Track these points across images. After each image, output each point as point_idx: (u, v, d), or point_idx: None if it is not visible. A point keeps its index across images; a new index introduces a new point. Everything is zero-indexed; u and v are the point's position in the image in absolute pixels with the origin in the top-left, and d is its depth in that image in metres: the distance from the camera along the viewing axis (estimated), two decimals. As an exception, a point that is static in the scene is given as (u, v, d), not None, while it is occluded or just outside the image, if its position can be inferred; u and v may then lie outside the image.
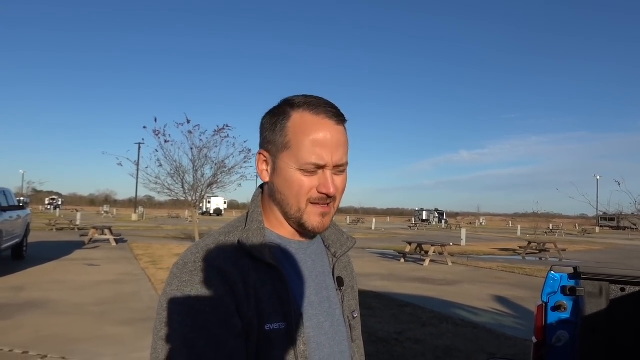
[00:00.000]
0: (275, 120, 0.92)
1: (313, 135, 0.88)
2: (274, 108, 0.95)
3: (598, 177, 59.58)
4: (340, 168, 0.91)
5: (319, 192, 0.89)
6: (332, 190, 0.89)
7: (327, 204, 0.91)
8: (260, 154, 0.96)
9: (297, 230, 0.95)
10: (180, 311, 0.81)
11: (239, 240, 0.89)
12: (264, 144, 0.95)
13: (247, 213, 0.97)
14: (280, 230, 0.96)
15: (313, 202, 0.90)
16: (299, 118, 0.90)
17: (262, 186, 1.01)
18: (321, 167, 0.89)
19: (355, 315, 1.05)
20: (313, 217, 0.91)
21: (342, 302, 1.01)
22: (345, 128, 0.94)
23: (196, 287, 0.82)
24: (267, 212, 0.97)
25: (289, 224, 0.95)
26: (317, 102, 0.91)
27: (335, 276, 1.01)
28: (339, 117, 0.92)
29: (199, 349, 0.78)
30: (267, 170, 0.95)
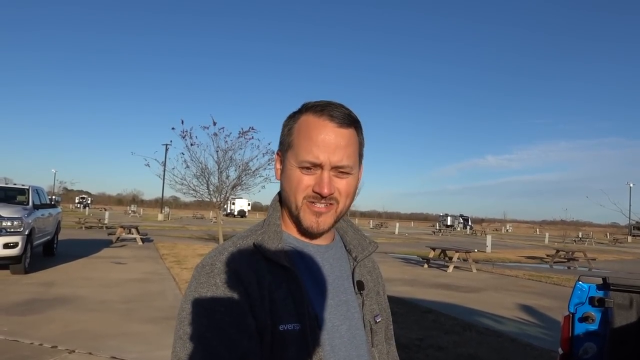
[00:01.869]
0: (288, 123, 0.98)
1: (311, 135, 0.92)
2: (292, 112, 1.00)
3: (631, 185, 57.82)
4: (341, 170, 0.92)
5: (313, 191, 0.91)
6: (325, 191, 0.90)
7: (325, 205, 0.93)
8: (276, 154, 1.02)
9: (298, 230, 0.97)
10: (197, 311, 0.85)
11: (254, 243, 0.92)
12: (280, 145, 1.00)
13: (266, 217, 1.01)
14: (296, 234, 0.98)
15: (309, 201, 0.93)
16: (304, 120, 0.95)
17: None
18: (318, 166, 0.91)
19: (378, 320, 1.04)
20: (307, 216, 0.94)
21: (363, 306, 1.01)
22: (353, 131, 0.95)
23: (212, 289, 0.86)
24: (284, 216, 1.00)
25: (294, 224, 0.98)
26: (324, 105, 0.94)
27: (355, 280, 1.01)
28: (344, 120, 0.93)
29: (213, 348, 0.82)
30: (280, 169, 1.00)
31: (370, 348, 0.99)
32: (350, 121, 0.94)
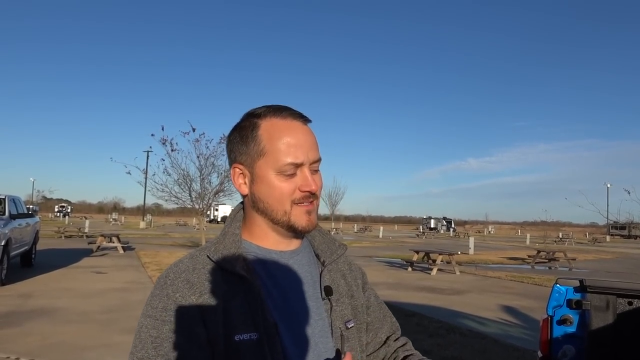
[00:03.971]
0: (244, 133, 0.96)
1: (286, 137, 0.92)
2: (240, 123, 0.98)
3: (609, 185, 59.03)
4: (315, 165, 0.94)
5: (301, 191, 0.92)
6: (314, 187, 0.92)
7: (311, 202, 0.93)
8: (235, 168, 0.97)
9: (287, 235, 0.96)
10: (147, 324, 0.86)
11: (209, 254, 0.92)
12: (237, 157, 0.97)
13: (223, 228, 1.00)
14: (261, 242, 0.97)
15: (297, 203, 0.92)
16: (268, 125, 0.94)
17: (243, 202, 1.02)
18: (298, 165, 0.92)
19: (349, 326, 1.00)
20: (300, 217, 0.93)
21: (331, 311, 0.98)
22: (310, 127, 0.98)
23: (163, 300, 0.86)
24: (248, 225, 0.99)
25: (276, 232, 0.96)
26: (280, 108, 0.96)
27: (323, 285, 0.99)
28: (304, 118, 0.96)
29: (161, 358, 0.82)
30: (245, 183, 0.97)
31: (338, 355, 0.96)
32: (308, 118, 0.97)
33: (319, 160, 0.95)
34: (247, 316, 0.85)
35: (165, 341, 0.83)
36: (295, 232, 0.95)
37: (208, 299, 0.85)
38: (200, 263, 0.91)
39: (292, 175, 0.92)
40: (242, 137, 0.96)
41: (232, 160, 0.98)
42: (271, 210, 0.93)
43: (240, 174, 0.97)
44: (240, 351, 0.83)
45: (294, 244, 0.99)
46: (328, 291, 0.98)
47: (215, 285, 0.87)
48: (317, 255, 1.03)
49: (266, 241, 0.97)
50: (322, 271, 1.00)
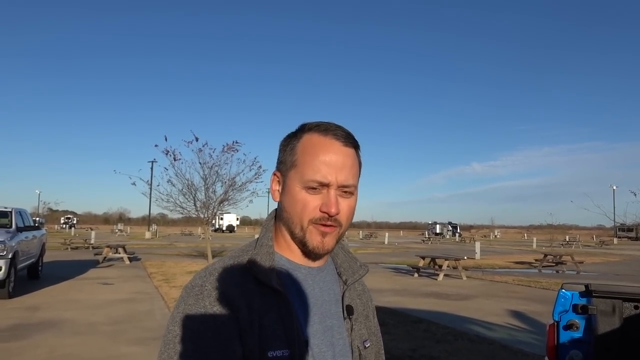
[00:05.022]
0: (288, 142, 0.97)
1: (318, 154, 0.90)
2: (290, 133, 0.99)
3: (614, 188, 58.75)
4: (346, 189, 0.91)
5: (321, 212, 0.90)
6: (333, 210, 0.89)
7: (330, 225, 0.91)
8: (274, 174, 0.99)
9: (302, 252, 0.95)
10: (183, 334, 0.83)
11: (245, 265, 0.90)
12: (278, 165, 0.98)
13: (258, 237, 0.99)
14: (289, 255, 0.96)
15: (315, 222, 0.90)
16: (307, 139, 0.93)
17: (275, 210, 1.02)
18: (325, 185, 0.90)
19: (367, 345, 1.01)
20: (314, 237, 0.91)
21: (352, 331, 0.98)
22: (355, 151, 0.95)
23: (200, 311, 0.84)
24: (277, 236, 0.98)
25: (296, 245, 0.95)
26: (327, 125, 0.94)
27: (345, 304, 0.99)
28: (348, 140, 0.93)
29: None
30: (278, 191, 0.97)
31: None
32: (353, 141, 0.95)
33: (350, 186, 0.92)
34: (280, 332, 0.85)
35: (201, 356, 0.81)
36: (306, 249, 0.93)
37: (245, 314, 0.84)
38: (235, 274, 0.89)
39: (317, 193, 0.90)
40: (285, 146, 0.97)
41: (276, 167, 0.99)
42: (291, 222, 0.93)
43: (277, 181, 0.98)
44: None
45: (320, 260, 0.98)
46: (350, 310, 0.99)
47: (252, 300, 0.86)
48: (338, 273, 1.03)
49: (294, 254, 0.96)
50: (344, 290, 1.00)
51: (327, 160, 0.90)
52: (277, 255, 0.95)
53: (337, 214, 0.90)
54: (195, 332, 0.82)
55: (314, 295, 0.95)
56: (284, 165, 0.95)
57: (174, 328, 0.85)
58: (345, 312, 0.98)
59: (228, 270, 0.90)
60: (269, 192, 1.04)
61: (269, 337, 0.84)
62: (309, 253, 0.94)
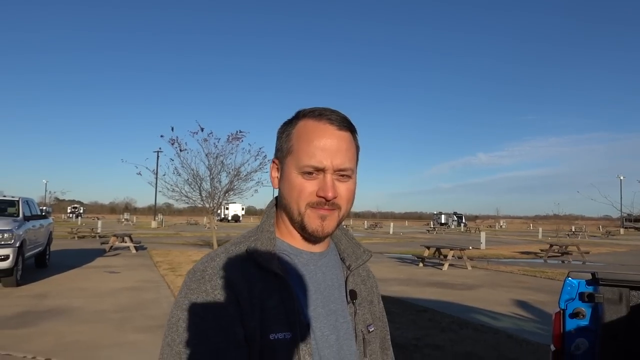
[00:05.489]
0: (284, 129, 0.98)
1: (313, 139, 0.91)
2: (287, 120, 0.99)
3: (622, 178, 58.33)
4: (342, 173, 0.92)
5: (317, 196, 0.90)
6: (330, 195, 0.89)
7: (328, 208, 0.91)
8: (273, 162, 1.00)
9: (302, 237, 0.96)
10: (185, 318, 0.85)
11: (247, 250, 0.91)
12: (276, 152, 0.99)
13: (259, 224, 1.00)
14: (291, 240, 0.97)
15: (312, 206, 0.91)
16: (302, 125, 0.94)
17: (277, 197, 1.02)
18: (320, 170, 0.90)
19: (371, 330, 1.02)
20: (312, 220, 0.92)
21: (355, 315, 0.99)
22: (351, 135, 0.95)
23: (202, 295, 0.85)
24: (279, 222, 0.99)
25: (297, 231, 0.96)
26: (322, 110, 0.95)
27: (348, 289, 1.00)
28: (342, 123, 0.93)
29: (200, 356, 0.82)
30: (277, 178, 0.98)
31: (362, 358, 0.98)
32: (348, 125, 0.95)
33: (347, 169, 0.92)
34: (281, 315, 0.86)
35: (204, 338, 0.82)
36: (306, 233, 0.94)
37: (246, 298, 0.85)
38: (237, 259, 0.90)
39: (313, 178, 0.91)
40: (281, 134, 0.98)
41: (274, 154, 1.00)
42: (289, 207, 0.93)
43: (276, 168, 0.99)
44: (275, 350, 0.84)
45: (322, 245, 0.99)
46: (353, 295, 1.00)
47: (253, 284, 0.87)
48: (342, 259, 1.04)
49: (295, 240, 0.97)
50: (347, 275, 1.01)
51: (321, 145, 0.91)
52: (279, 241, 0.96)
53: (334, 198, 0.90)
54: (197, 315, 0.84)
55: (316, 280, 0.95)
56: (281, 153, 0.96)
57: (176, 312, 0.86)
58: (348, 296, 0.99)
59: (230, 255, 0.91)
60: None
61: (271, 319, 0.85)
62: (309, 237, 0.95)
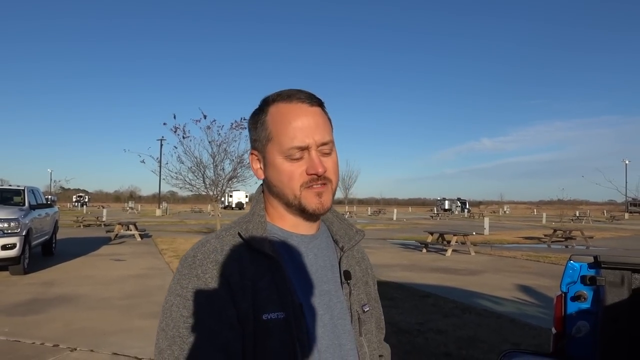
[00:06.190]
0: (256, 119, 0.98)
1: (290, 121, 0.92)
2: (254, 111, 1.00)
3: (627, 162, 58.04)
4: (324, 147, 0.94)
5: (308, 174, 0.92)
6: (320, 170, 0.91)
7: (322, 184, 0.93)
8: (252, 154, 1.01)
9: (302, 218, 0.97)
10: (178, 303, 0.87)
11: (238, 233, 0.93)
12: (253, 144, 1.00)
13: (250, 209, 1.02)
14: (281, 224, 0.98)
15: (307, 186, 0.93)
16: (274, 110, 0.95)
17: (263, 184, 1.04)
18: (304, 149, 0.92)
19: (366, 309, 1.04)
20: (310, 200, 0.93)
21: (350, 295, 1.00)
22: (322, 109, 0.97)
23: (193, 280, 0.87)
24: (269, 207, 1.00)
25: (292, 215, 0.97)
26: (289, 92, 0.96)
27: (342, 270, 1.01)
28: (312, 100, 0.96)
29: (194, 339, 0.84)
30: (260, 168, 0.99)
31: (357, 337, 0.99)
32: (317, 100, 0.97)
33: (328, 142, 0.94)
34: (274, 296, 0.87)
35: (197, 322, 0.84)
36: (307, 214, 0.96)
37: (238, 280, 0.87)
38: (228, 243, 0.92)
39: (299, 159, 0.92)
40: (254, 124, 0.99)
41: (250, 147, 1.02)
42: (283, 194, 0.94)
43: (256, 159, 1.00)
44: (268, 330, 0.85)
45: (313, 228, 1.00)
46: (347, 275, 1.01)
47: (245, 266, 0.89)
48: (335, 241, 1.05)
49: (286, 223, 0.98)
50: (341, 256, 1.02)
51: (299, 125, 0.92)
52: (269, 225, 0.98)
53: (325, 172, 0.92)
54: (190, 300, 0.86)
55: (308, 261, 0.97)
56: (259, 142, 0.97)
57: (170, 298, 0.89)
58: (342, 277, 1.00)
59: (221, 240, 0.93)
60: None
61: (263, 300, 0.87)
62: (309, 217, 0.97)
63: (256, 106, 1.01)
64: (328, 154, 0.95)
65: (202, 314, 0.85)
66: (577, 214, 46.75)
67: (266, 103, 0.98)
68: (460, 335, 5.45)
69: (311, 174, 0.92)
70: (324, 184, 0.93)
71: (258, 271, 0.89)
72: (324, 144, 0.93)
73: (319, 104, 0.97)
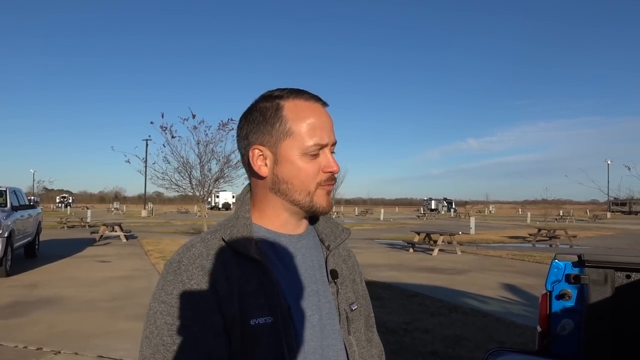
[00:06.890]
0: (267, 113, 0.93)
1: (311, 119, 0.93)
2: (258, 104, 0.96)
3: (609, 162, 59.00)
4: (334, 147, 0.97)
5: (324, 172, 0.93)
6: (336, 168, 0.94)
7: (332, 183, 0.95)
8: (254, 149, 0.94)
9: (297, 217, 0.97)
10: (162, 310, 0.85)
11: (223, 237, 0.90)
12: (258, 139, 0.94)
13: (234, 211, 1.00)
14: (268, 225, 0.96)
15: (322, 184, 0.93)
16: (292, 106, 0.93)
17: (249, 185, 1.02)
18: (322, 147, 0.93)
19: (354, 308, 1.02)
20: (322, 198, 0.94)
21: (337, 294, 0.99)
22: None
23: (178, 286, 0.85)
24: (258, 208, 0.98)
25: (290, 212, 0.95)
26: (300, 90, 0.97)
27: (329, 269, 1.00)
28: (323, 101, 0.98)
29: (177, 347, 0.82)
30: (265, 165, 0.94)
31: (346, 336, 0.98)
32: (325, 101, 0.99)
33: (336, 142, 0.97)
34: (261, 300, 0.86)
35: (181, 329, 0.82)
36: (314, 213, 0.96)
37: (224, 285, 0.85)
38: (213, 247, 0.90)
39: (316, 156, 0.92)
40: (264, 118, 0.93)
41: (250, 142, 0.95)
42: (294, 191, 0.92)
43: (260, 155, 0.94)
44: (256, 335, 0.83)
45: (301, 227, 0.99)
46: (334, 275, 1.00)
47: (231, 270, 0.86)
48: (321, 240, 1.04)
49: (276, 223, 0.96)
50: (327, 255, 1.01)
51: (319, 123, 0.94)
52: (256, 226, 0.95)
53: (339, 171, 0.95)
54: (174, 306, 0.84)
55: (296, 262, 0.95)
56: (271, 138, 0.92)
57: (154, 304, 0.86)
58: (329, 276, 0.99)
59: (205, 243, 0.90)
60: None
61: (251, 305, 0.85)
62: (315, 216, 0.98)
63: (251, 101, 0.98)
64: (334, 154, 0.97)
65: (186, 321, 0.83)
66: (561, 214, 47.44)
67: (278, 98, 0.94)
68: (446, 334, 5.48)
69: (328, 172, 0.93)
70: (333, 183, 0.95)
71: (245, 275, 0.87)
72: (335, 144, 0.96)
73: (327, 105, 0.99)
